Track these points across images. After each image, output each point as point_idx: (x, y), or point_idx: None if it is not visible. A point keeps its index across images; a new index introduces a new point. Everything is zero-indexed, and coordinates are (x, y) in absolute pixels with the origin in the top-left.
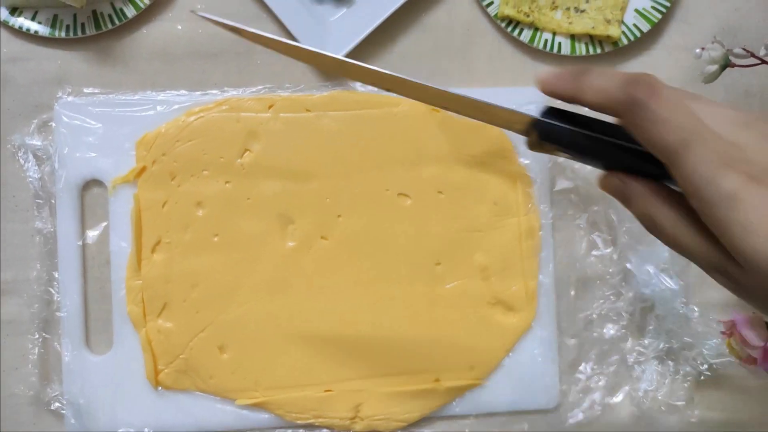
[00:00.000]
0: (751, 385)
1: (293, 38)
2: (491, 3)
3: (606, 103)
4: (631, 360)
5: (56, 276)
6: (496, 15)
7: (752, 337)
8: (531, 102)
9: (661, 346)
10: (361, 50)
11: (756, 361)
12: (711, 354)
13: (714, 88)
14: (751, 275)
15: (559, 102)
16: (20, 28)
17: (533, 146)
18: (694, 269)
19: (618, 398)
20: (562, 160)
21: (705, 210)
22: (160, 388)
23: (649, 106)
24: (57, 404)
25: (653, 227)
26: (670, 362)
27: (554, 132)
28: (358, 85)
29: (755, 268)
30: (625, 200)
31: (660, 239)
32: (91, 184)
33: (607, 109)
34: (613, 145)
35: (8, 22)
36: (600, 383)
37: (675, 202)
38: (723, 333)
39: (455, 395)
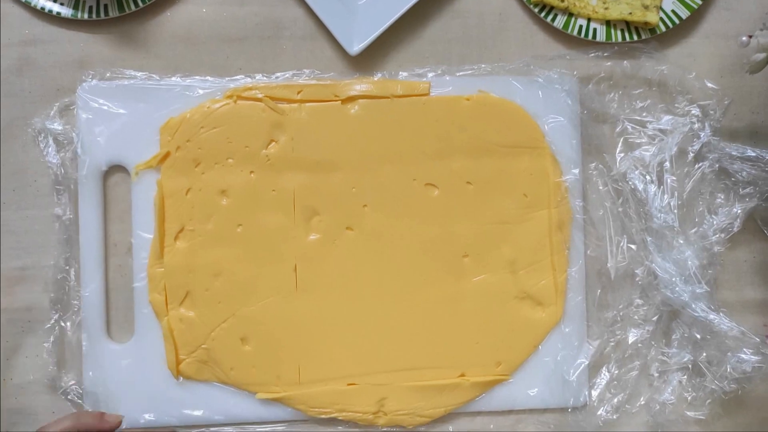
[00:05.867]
0: None
1: (320, 22)
2: None
3: None
4: (653, 369)
5: (75, 263)
6: (528, 0)
7: None
8: (564, 88)
9: (686, 358)
10: (390, 35)
11: None
12: (738, 370)
13: (758, 78)
14: None
15: None
16: (42, 9)
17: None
18: (723, 273)
19: (636, 406)
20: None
21: None
22: (181, 378)
23: None
24: (74, 392)
25: None
26: (694, 375)
27: None
28: (384, 73)
29: None
30: None
31: None
32: (114, 170)
33: None
34: None
35: (30, 3)
36: (619, 388)
37: None
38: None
39: (481, 391)
